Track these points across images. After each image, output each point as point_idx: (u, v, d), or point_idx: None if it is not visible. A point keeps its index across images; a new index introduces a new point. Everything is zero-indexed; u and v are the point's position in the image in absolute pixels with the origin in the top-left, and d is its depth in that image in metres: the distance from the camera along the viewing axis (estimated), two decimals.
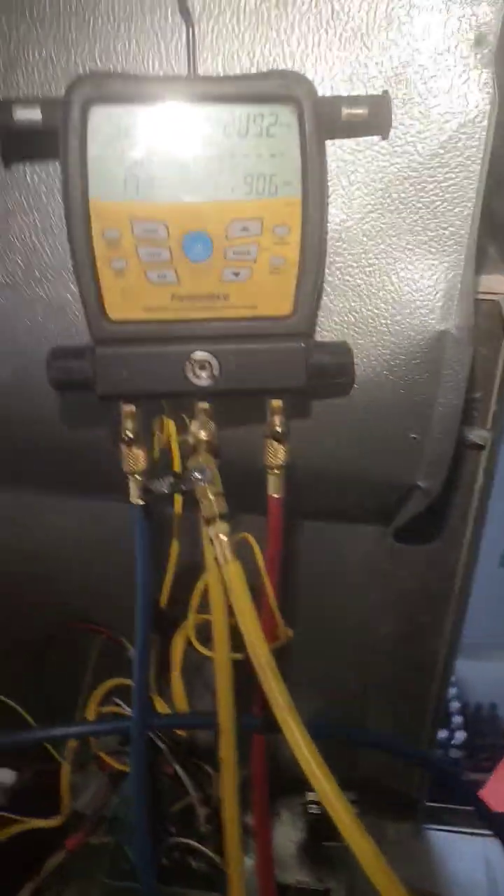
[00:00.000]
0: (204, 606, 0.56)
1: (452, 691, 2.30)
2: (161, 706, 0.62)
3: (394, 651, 0.85)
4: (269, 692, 0.41)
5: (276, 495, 0.51)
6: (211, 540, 0.45)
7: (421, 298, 0.51)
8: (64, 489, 0.76)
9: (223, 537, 0.44)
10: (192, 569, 0.61)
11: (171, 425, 0.52)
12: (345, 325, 0.52)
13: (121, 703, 0.73)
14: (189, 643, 0.57)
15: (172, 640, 0.57)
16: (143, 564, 0.51)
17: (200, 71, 0.48)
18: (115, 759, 0.70)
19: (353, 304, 0.52)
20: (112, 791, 0.74)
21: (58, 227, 0.52)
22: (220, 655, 0.49)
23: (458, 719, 2.33)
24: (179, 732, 0.69)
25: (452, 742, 2.30)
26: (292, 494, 0.53)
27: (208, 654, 0.52)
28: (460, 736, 2.53)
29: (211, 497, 0.45)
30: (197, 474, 0.45)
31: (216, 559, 0.45)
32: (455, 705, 2.33)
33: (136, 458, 0.50)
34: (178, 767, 0.69)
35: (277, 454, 0.50)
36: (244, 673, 0.57)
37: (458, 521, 0.76)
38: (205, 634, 0.59)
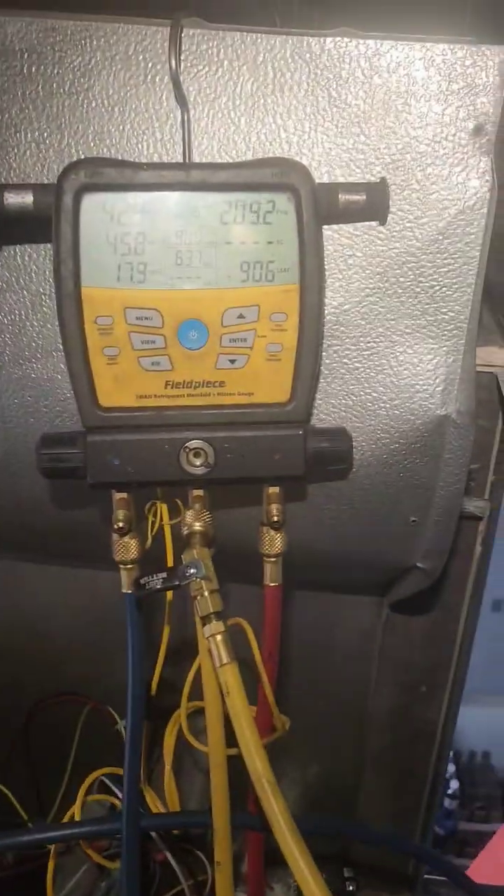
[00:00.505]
0: (195, 694, 0.54)
1: None
2: (151, 799, 0.59)
3: (391, 722, 0.82)
4: (270, 813, 0.39)
5: (272, 584, 0.50)
6: (206, 639, 0.43)
7: (420, 383, 0.50)
8: (53, 560, 0.75)
9: (219, 639, 0.43)
10: (183, 650, 0.59)
11: (164, 511, 0.51)
12: (343, 409, 0.51)
13: (110, 784, 0.70)
14: (181, 733, 0.55)
15: (164, 731, 0.55)
16: (135, 655, 0.49)
17: (195, 154, 0.47)
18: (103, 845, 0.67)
19: (351, 387, 0.51)
20: (98, 877, 0.71)
21: (47, 307, 0.51)
22: (216, 756, 0.47)
23: (450, 768, 2.30)
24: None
25: (446, 791, 2.26)
26: (288, 570, 0.52)
27: (203, 749, 0.50)
28: (454, 785, 2.49)
29: (206, 594, 0.43)
30: (191, 570, 0.44)
31: (211, 660, 0.43)
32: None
33: (127, 548, 0.48)
34: (168, 854, 0.66)
35: (274, 543, 0.49)
36: (237, 765, 0.56)
37: (457, 592, 0.74)
38: (196, 722, 0.57)
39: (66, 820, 0.63)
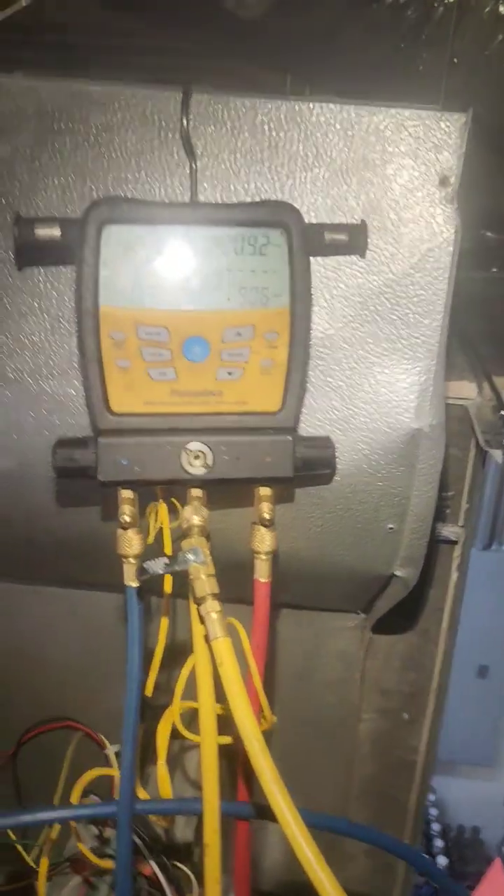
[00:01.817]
0: (188, 693, 0.57)
1: (433, 812, 2.21)
2: (144, 796, 0.62)
3: (375, 750, 0.85)
4: (259, 769, 0.42)
5: (262, 580, 0.54)
6: (201, 618, 0.48)
7: (396, 399, 0.56)
8: (50, 580, 0.78)
9: (215, 615, 0.47)
10: (175, 656, 0.62)
11: (164, 510, 0.56)
12: (327, 422, 0.57)
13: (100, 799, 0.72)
14: (174, 731, 0.58)
15: (157, 727, 0.58)
16: (135, 645, 0.52)
17: (201, 199, 0.55)
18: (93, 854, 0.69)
19: (334, 402, 0.57)
20: (88, 893, 0.72)
21: (65, 329, 0.57)
22: (207, 738, 0.50)
23: (439, 843, 2.23)
24: (159, 824, 0.68)
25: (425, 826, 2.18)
26: (274, 584, 0.56)
27: (195, 739, 0.53)
28: (442, 861, 2.41)
29: (203, 577, 0.48)
30: (190, 555, 0.48)
31: (206, 637, 0.47)
32: (436, 827, 2.23)
33: (131, 542, 0.53)
34: (154, 866, 0.68)
35: (265, 540, 0.53)
36: (227, 760, 0.58)
37: (434, 617, 0.78)
38: (189, 722, 0.60)
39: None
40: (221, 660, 0.45)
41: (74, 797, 0.62)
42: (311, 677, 0.82)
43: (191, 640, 0.54)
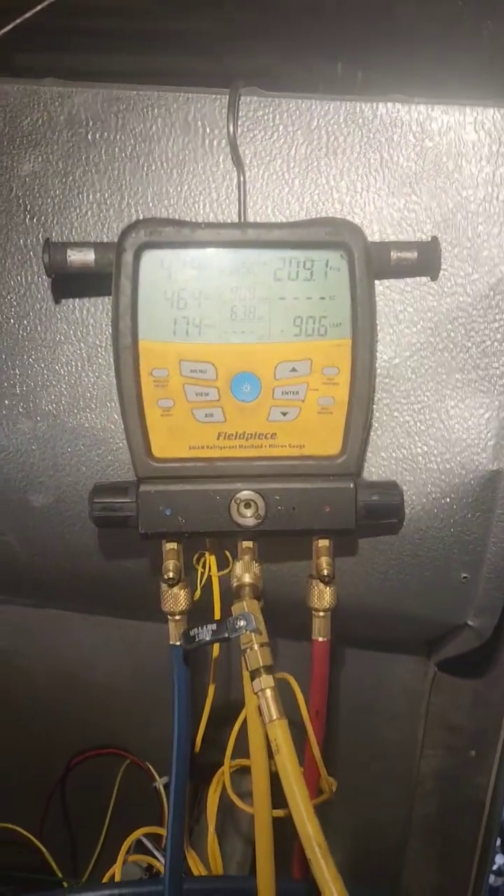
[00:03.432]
0: (238, 749, 0.53)
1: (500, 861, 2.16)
2: (193, 861, 0.58)
3: (438, 788, 0.80)
4: (320, 878, 0.38)
5: (321, 639, 0.49)
6: (255, 693, 0.43)
7: (471, 437, 0.50)
8: (98, 609, 0.75)
9: (269, 692, 0.42)
10: (226, 705, 0.58)
11: (212, 562, 0.51)
12: (393, 462, 0.51)
13: (149, 844, 0.68)
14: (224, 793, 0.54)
15: (206, 790, 0.54)
16: (181, 711, 0.48)
17: (250, 213, 0.49)
18: None
19: (401, 440, 0.51)
20: None
21: (103, 358, 0.52)
22: (262, 816, 0.46)
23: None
24: None
25: (491, 867, 2.14)
26: (333, 624, 0.51)
27: (248, 810, 0.48)
28: (500, 860, 2.36)
29: (256, 647, 0.43)
30: (241, 622, 0.43)
31: (261, 716, 0.43)
32: None
33: (176, 599, 0.48)
34: None
35: (324, 597, 0.48)
36: (282, 826, 0.54)
37: None
38: (239, 782, 0.56)
39: (105, 881, 0.62)
40: (278, 746, 0.41)
41: (119, 859, 0.58)
42: (373, 710, 0.77)
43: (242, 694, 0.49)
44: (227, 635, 0.44)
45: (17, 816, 0.81)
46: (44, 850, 0.79)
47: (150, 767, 0.84)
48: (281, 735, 0.41)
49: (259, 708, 0.43)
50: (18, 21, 0.52)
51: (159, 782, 0.82)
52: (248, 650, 0.43)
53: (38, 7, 0.55)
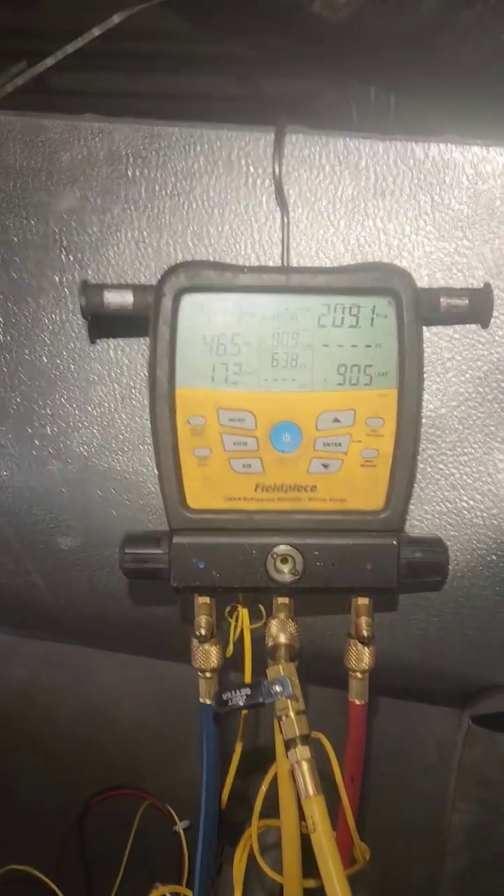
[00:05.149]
0: (267, 809, 0.51)
1: None
2: None
3: (469, 842, 0.76)
4: None
5: (359, 702, 0.47)
6: (290, 764, 0.40)
7: None
8: (124, 648, 0.73)
9: (306, 765, 0.40)
10: (253, 759, 0.56)
11: (245, 616, 0.49)
12: (437, 516, 0.49)
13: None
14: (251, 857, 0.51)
15: (233, 851, 0.51)
16: (210, 771, 0.46)
17: (294, 256, 0.47)
18: None
19: (446, 494, 0.48)
20: None
21: (136, 400, 0.51)
22: (292, 888, 0.43)
23: None
24: None
25: None
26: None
27: (279, 879, 0.46)
28: None
29: (292, 715, 0.41)
30: (277, 688, 0.41)
31: (294, 784, 0.40)
32: None
33: (208, 656, 0.46)
34: None
35: (362, 658, 0.46)
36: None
37: None
38: (265, 835, 0.54)
39: None
40: (314, 824, 0.38)
41: None
42: (404, 760, 0.75)
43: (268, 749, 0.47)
44: (261, 700, 0.41)
45: (32, 856, 0.79)
46: (59, 892, 0.77)
47: (171, 809, 0.82)
48: (318, 813, 0.38)
49: (293, 778, 0.40)
50: (70, 50, 0.50)
51: (179, 826, 0.80)
52: (284, 717, 0.41)
53: (90, 37, 0.54)
